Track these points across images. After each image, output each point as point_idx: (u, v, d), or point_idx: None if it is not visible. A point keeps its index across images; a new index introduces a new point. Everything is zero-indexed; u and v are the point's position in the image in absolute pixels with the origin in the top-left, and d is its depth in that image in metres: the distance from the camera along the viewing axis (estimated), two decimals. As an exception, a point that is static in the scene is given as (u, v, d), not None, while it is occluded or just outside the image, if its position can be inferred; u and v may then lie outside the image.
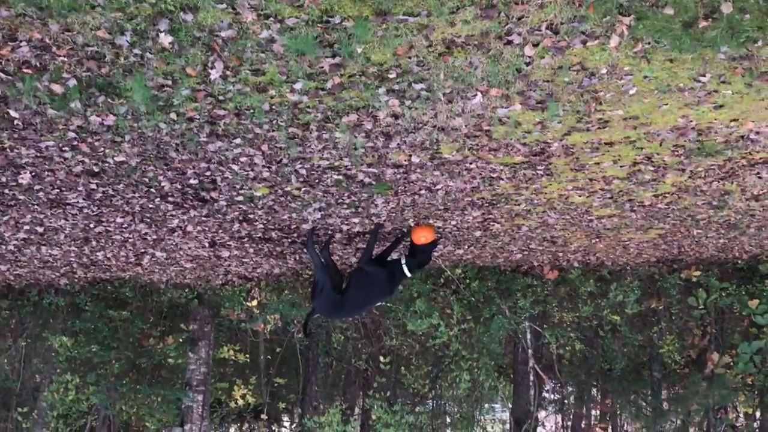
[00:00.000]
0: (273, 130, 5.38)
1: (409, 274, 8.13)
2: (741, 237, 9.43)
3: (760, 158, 6.12)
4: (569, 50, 4.23)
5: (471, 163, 6.21)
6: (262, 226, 8.22)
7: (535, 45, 4.17)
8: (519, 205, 7.49)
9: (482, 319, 11.94)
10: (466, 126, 5.35)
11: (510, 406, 15.24)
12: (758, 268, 11.47)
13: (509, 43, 4.15)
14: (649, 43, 4.17)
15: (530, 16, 3.91)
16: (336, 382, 18.32)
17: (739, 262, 11.53)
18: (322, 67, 4.41)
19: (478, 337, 12.17)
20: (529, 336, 12.87)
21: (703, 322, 12.57)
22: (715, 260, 11.17)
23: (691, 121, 5.31)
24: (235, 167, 6.14)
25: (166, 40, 4.00)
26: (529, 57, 4.27)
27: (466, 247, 9.79)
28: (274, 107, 4.99)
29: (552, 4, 3.79)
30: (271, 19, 3.91)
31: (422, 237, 7.88)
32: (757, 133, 5.55)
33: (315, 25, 3.97)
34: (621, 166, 6.30)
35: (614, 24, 3.96)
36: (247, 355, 16.94)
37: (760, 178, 6.64)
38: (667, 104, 5.00)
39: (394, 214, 7.88)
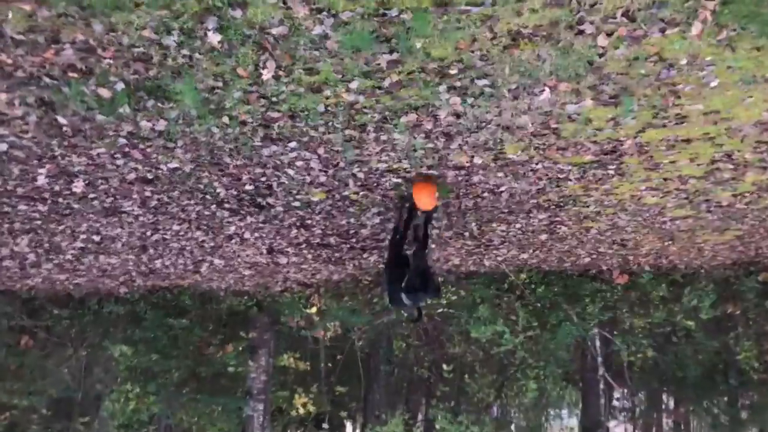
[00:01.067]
0: (329, 132, 5.15)
1: (408, 302, 6.70)
2: (826, 238, 8.88)
3: None
4: (646, 39, 3.90)
5: (537, 164, 5.89)
6: (320, 231, 8.02)
7: (609, 34, 3.84)
8: (588, 206, 7.13)
9: (548, 326, 11.54)
10: (532, 124, 5.04)
11: (578, 413, 14.73)
12: (844, 269, 10.86)
13: (581, 33, 3.83)
14: (734, 30, 3.82)
15: (604, 3, 3.60)
16: (398, 390, 18.01)
17: (824, 263, 10.93)
18: (379, 64, 4.16)
19: (545, 344, 11.77)
20: (598, 343, 12.40)
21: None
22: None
23: (778, 114, 4.92)
24: (291, 172, 5.94)
25: (215, 39, 3.80)
26: (602, 48, 3.95)
27: (531, 251, 9.44)
28: (329, 108, 4.76)
29: (629, -12, 3.48)
30: (324, 13, 3.67)
31: (426, 197, 6.26)
32: None
33: (371, 19, 3.72)
34: (698, 165, 5.91)
35: (697, 9, 3.61)
36: (308, 363, 16.65)
37: None
38: (751, 97, 4.62)
39: (455, 218, 7.60)
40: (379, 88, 4.46)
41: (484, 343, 12.69)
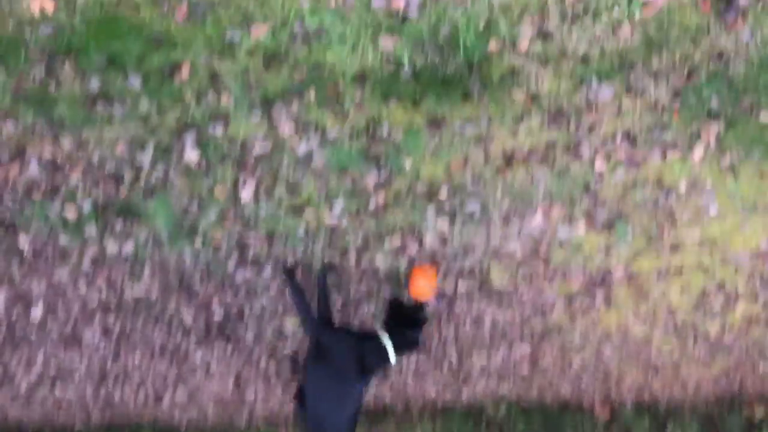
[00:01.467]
0: (308, 258, 4.89)
1: (393, 361, 4.69)
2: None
3: None
4: (645, 163, 3.74)
5: (523, 293, 5.65)
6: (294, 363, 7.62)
7: (607, 158, 3.68)
8: (572, 337, 6.86)
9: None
10: (521, 251, 4.83)
11: None
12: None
13: (577, 156, 3.67)
14: (737, 155, 3.67)
15: (603, 125, 3.44)
16: None
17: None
18: (366, 185, 3.94)
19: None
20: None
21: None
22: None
23: (776, 244, 4.77)
24: (264, 299, 5.63)
25: (192, 155, 3.56)
26: (599, 172, 3.78)
27: (512, 383, 9.07)
28: (310, 232, 4.51)
29: (629, 111, 3.33)
30: (311, 131, 3.47)
31: (424, 285, 4.87)
32: None
33: (360, 137, 3.52)
34: (689, 296, 5.71)
35: (700, 132, 3.47)
36: None
37: None
38: (751, 225, 4.46)
39: (434, 349, 7.27)
40: (365, 209, 4.24)
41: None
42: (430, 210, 4.24)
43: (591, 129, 3.46)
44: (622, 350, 7.41)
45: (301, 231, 4.50)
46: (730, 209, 4.27)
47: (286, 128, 3.42)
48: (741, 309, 6.08)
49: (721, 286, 5.59)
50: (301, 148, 3.58)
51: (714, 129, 3.43)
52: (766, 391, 10.36)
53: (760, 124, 3.40)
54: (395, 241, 4.66)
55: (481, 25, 2.82)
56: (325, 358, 4.52)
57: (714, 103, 3.27)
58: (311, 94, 3.18)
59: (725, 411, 10.99)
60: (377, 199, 4.10)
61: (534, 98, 3.24)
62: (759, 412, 10.69)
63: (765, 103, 3.29)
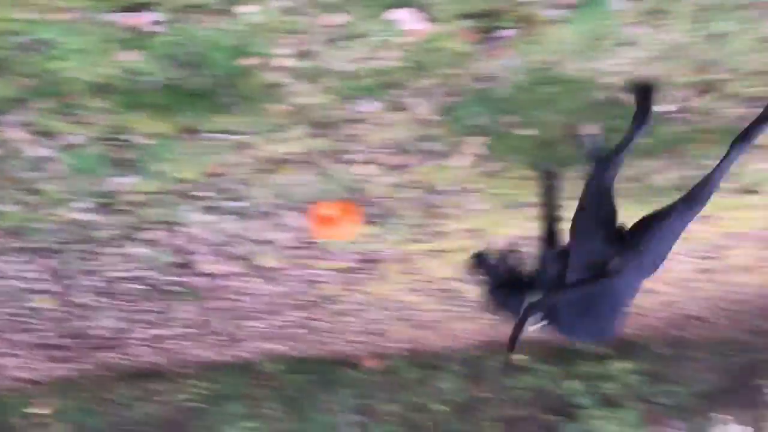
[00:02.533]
0: (55, 250, 4.46)
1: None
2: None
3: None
4: (411, 168, 3.66)
5: (293, 271, 5.53)
6: (48, 334, 7.11)
7: (374, 162, 3.56)
8: (345, 304, 6.87)
9: (303, 416, 11.09)
10: (290, 240, 4.67)
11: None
12: (576, 346, 11.46)
13: (344, 161, 3.52)
14: (499, 162, 3.68)
15: (370, 135, 3.30)
16: None
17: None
18: (115, 187, 3.58)
19: (297, 435, 11.30)
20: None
21: (525, 405, 12.42)
22: (536, 337, 11.02)
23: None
24: (16, 281, 5.14)
25: None
26: (367, 174, 3.65)
27: (286, 341, 9.03)
28: (55, 226, 4.09)
29: (395, 124, 3.20)
30: (48, 137, 3.05)
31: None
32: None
33: (105, 143, 3.15)
34: (455, 269, 5.85)
35: (465, 143, 3.42)
36: None
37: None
38: (514, 219, 4.56)
39: (206, 318, 7.04)
40: (115, 207, 3.87)
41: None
42: (188, 208, 3.96)
43: (357, 138, 3.30)
44: (393, 313, 7.55)
45: (48, 225, 4.08)
46: (493, 205, 4.32)
47: (18, 134, 2.98)
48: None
49: (483, 261, 5.72)
50: (39, 153, 3.16)
51: (478, 141, 3.39)
52: (524, 339, 11.09)
53: (522, 136, 3.39)
54: (153, 234, 4.35)
55: (234, 43, 2.54)
56: None
57: (479, 119, 3.21)
58: (46, 102, 2.77)
59: (488, 355, 11.70)
60: (129, 198, 3.76)
61: (296, 111, 3.02)
62: (522, 358, 11.49)
63: (526, 121, 3.27)
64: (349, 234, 3.91)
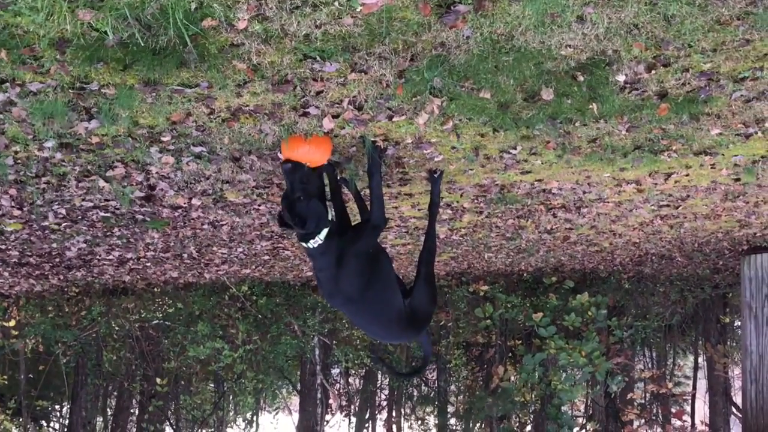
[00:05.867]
0: (20, 181, 4.50)
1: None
2: (529, 258, 9.49)
3: (558, 204, 5.99)
4: (372, 123, 3.72)
5: (260, 205, 5.60)
6: (17, 253, 7.17)
7: (335, 117, 3.61)
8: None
9: (270, 337, 11.33)
10: (254, 180, 4.73)
11: (295, 422, 14.66)
12: (542, 280, 11.72)
13: (305, 114, 3.57)
14: (460, 120, 3.75)
15: (330, 93, 3.35)
16: (106, 405, 16.67)
17: (525, 275, 11.73)
18: (76, 130, 3.62)
19: (265, 355, 11.55)
20: (318, 353, 12.41)
21: (489, 335, 12.75)
22: (502, 273, 11.27)
23: (495, 182, 5.02)
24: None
25: None
26: (328, 128, 3.71)
27: (253, 267, 9.16)
28: (20, 161, 4.13)
29: (355, 82, 3.25)
30: (8, 84, 3.08)
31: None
32: (560, 189, 5.38)
33: (65, 91, 3.18)
34: (419, 210, 5.95)
35: (424, 103, 3.48)
36: (5, 377, 14.85)
37: (555, 217, 6.55)
38: (473, 170, 4.65)
39: (172, 244, 7.12)
40: (78, 147, 3.91)
41: (202, 358, 12.15)
42: (154, 149, 4.00)
43: (317, 94, 3.35)
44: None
45: (10, 160, 4.11)
46: (454, 158, 4.40)
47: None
48: (467, 219, 6.44)
49: (448, 204, 5.86)
50: (-1, 98, 3.19)
51: (437, 102, 3.45)
52: (490, 273, 11.34)
53: (481, 98, 3.46)
54: (118, 171, 4.39)
55: (192, 6, 2.56)
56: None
57: (436, 83, 3.26)
58: (3, 53, 2.79)
59: (454, 286, 11.93)
60: (92, 140, 3.80)
61: (256, 68, 3.06)
62: (484, 288, 11.71)
63: (485, 85, 3.33)
64: (320, 160, 3.94)
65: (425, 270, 4.32)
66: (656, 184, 5.32)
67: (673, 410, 15.29)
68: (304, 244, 3.88)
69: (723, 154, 4.58)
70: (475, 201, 5.69)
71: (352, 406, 16.74)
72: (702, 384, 17.58)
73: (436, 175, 4.54)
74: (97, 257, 7.62)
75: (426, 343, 5.08)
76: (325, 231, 3.82)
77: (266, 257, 8.23)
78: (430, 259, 4.41)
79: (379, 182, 4.05)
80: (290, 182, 3.67)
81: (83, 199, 5.14)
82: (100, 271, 8.66)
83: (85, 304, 11.05)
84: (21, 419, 14.12)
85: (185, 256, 7.89)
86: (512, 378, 11.56)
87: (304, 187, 3.69)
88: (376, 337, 5.71)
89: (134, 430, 15.85)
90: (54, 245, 6.77)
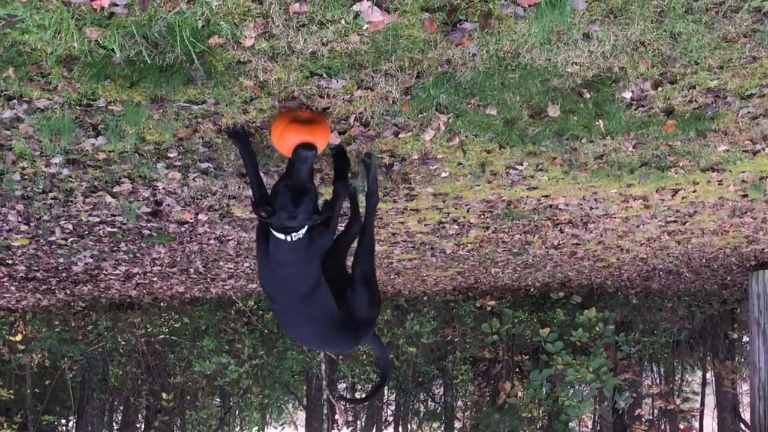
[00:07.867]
0: (27, 197, 4.51)
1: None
2: (536, 273, 9.48)
3: (565, 219, 5.98)
4: (379, 139, 3.72)
5: (265, 221, 5.60)
6: (24, 268, 7.19)
7: (342, 133, 3.62)
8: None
9: (276, 352, 11.32)
10: (260, 196, 4.73)
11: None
12: (549, 296, 11.70)
13: (311, 130, 3.56)
14: (466, 136, 3.75)
15: (336, 109, 3.36)
16: (112, 420, 16.62)
17: (532, 290, 11.71)
18: (83, 147, 3.63)
19: (271, 370, 11.53)
20: (324, 368, 12.38)
21: (496, 350, 12.72)
22: (509, 288, 11.26)
23: (502, 197, 5.02)
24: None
25: None
26: (332, 143, 3.71)
27: (255, 282, 9.17)
28: (27, 177, 4.14)
29: (362, 98, 3.25)
30: (15, 101, 3.09)
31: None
32: (567, 204, 5.38)
33: (73, 108, 3.19)
34: (426, 225, 5.95)
35: (431, 120, 3.49)
36: (11, 391, 14.78)
37: (562, 232, 6.54)
38: (479, 185, 4.65)
39: (179, 259, 7.13)
40: (86, 163, 3.92)
41: (208, 373, 12.11)
42: (160, 165, 4.01)
43: (324, 111, 3.36)
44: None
45: (17, 176, 4.13)
46: (460, 173, 4.41)
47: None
48: (474, 234, 6.43)
49: (455, 220, 5.86)
50: (6, 114, 3.20)
51: (443, 118, 3.45)
52: (497, 288, 11.31)
53: (487, 115, 3.46)
54: (125, 187, 4.41)
55: (200, 24, 2.57)
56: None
57: (443, 99, 3.27)
58: (11, 71, 2.80)
59: (461, 301, 11.91)
60: (98, 156, 3.81)
61: (263, 85, 3.07)
62: (491, 303, 11.69)
63: (491, 102, 3.34)
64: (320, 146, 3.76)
65: (361, 270, 3.81)
66: (663, 200, 5.31)
67: (681, 426, 15.22)
68: (280, 236, 3.36)
69: (730, 171, 4.57)
70: (482, 216, 5.68)
71: (359, 422, 16.70)
72: (710, 400, 17.47)
73: (369, 160, 3.88)
74: (104, 272, 7.64)
75: (381, 353, 4.57)
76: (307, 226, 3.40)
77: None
78: (368, 257, 3.91)
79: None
80: (302, 169, 3.21)
81: (90, 215, 5.15)
82: (107, 285, 8.68)
83: (91, 318, 11.07)
84: (27, 434, 14.15)
85: (192, 270, 7.90)
86: (519, 394, 11.52)
87: (311, 177, 3.30)
88: (310, 343, 5.38)
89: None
90: (61, 260, 6.79)
